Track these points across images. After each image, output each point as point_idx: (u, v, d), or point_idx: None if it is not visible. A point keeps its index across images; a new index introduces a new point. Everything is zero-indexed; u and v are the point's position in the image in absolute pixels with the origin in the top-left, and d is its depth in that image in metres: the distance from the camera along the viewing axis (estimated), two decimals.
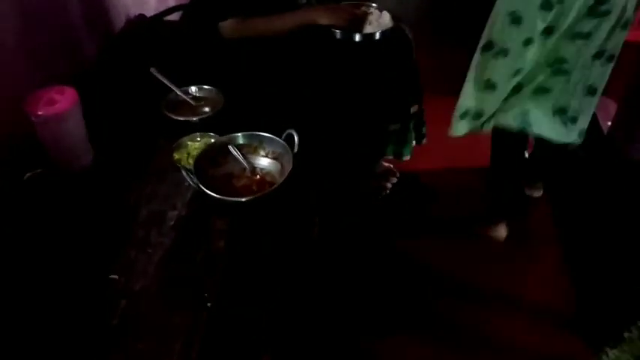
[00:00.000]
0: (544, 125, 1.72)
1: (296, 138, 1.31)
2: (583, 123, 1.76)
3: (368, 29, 1.72)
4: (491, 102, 1.73)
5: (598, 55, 1.63)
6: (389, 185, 2.10)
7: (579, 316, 1.81)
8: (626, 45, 1.65)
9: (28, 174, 1.26)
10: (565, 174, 2.28)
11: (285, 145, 1.32)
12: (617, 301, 1.76)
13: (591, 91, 1.70)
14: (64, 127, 1.26)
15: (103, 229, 1.19)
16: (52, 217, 1.18)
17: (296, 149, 1.30)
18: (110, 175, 1.33)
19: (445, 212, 2.19)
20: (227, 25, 1.66)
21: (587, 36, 1.57)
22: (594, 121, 2.40)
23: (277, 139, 1.34)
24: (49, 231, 1.16)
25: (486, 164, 2.09)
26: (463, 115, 1.78)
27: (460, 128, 1.80)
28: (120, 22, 1.94)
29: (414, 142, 2.11)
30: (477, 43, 1.71)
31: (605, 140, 2.26)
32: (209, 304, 1.05)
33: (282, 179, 1.24)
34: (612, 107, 2.39)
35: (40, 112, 1.22)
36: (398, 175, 2.17)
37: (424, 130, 2.12)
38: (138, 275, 1.09)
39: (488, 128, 1.82)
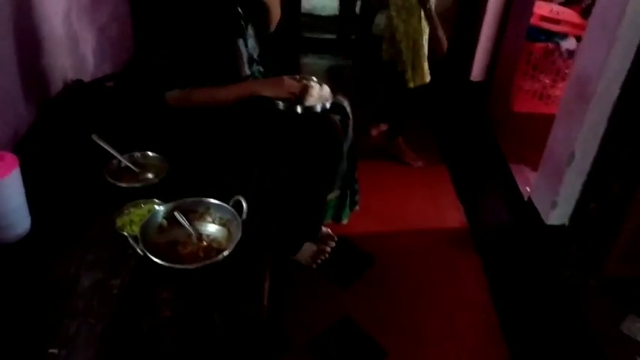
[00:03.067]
0: None
1: (244, 204, 1.33)
2: None
3: (309, 101, 1.79)
4: None
5: None
6: (328, 249, 2.14)
7: None
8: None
9: None
10: (497, 242, 2.41)
11: (233, 211, 1.33)
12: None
13: None
14: (2, 193, 1.21)
15: (40, 300, 1.14)
16: None
17: (244, 216, 1.32)
18: (49, 244, 1.29)
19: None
20: (173, 95, 1.69)
21: None
22: (515, 188, 2.58)
23: (224, 205, 1.35)
24: None
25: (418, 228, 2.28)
26: None
27: None
28: (57, 87, 1.92)
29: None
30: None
31: (526, 206, 2.42)
32: None
33: (231, 246, 1.24)
34: (530, 175, 2.59)
35: None
36: (336, 239, 2.22)
37: (357, 197, 2.22)
38: (79, 348, 1.05)
39: None
